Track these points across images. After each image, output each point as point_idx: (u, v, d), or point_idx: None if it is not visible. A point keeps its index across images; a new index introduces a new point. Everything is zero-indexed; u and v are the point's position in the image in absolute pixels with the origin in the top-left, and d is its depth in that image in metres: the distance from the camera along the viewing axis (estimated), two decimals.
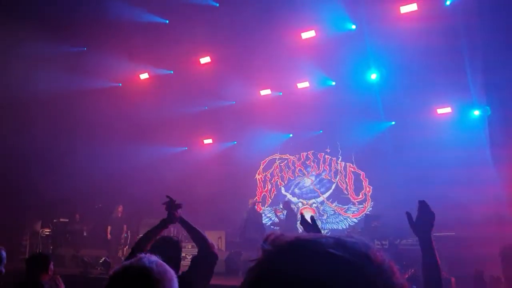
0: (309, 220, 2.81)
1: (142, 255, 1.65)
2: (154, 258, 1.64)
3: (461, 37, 10.43)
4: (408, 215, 2.56)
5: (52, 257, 5.09)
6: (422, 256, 2.49)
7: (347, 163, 13.58)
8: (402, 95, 11.55)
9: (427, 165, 10.93)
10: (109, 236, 11.96)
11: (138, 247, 3.11)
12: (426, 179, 10.71)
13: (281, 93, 13.52)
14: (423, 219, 2.51)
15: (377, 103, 12.27)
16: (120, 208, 12.33)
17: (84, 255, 10.28)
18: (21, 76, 11.37)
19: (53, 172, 11.79)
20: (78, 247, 11.67)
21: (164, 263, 1.65)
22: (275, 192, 14.56)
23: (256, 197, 12.94)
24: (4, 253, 2.89)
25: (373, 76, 12.21)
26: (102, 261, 9.37)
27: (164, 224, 3.43)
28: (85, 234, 12.51)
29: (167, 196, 3.50)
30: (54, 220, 12.30)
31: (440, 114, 11.88)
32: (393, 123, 12.85)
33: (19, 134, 11.30)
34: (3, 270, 2.85)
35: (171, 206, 3.45)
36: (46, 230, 12.23)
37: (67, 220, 12.48)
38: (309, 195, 13.92)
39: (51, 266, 4.77)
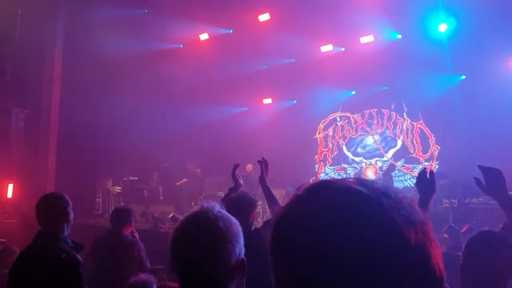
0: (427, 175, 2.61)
1: (205, 205, 1.55)
2: (218, 208, 1.54)
3: None
4: (477, 180, 2.48)
5: None
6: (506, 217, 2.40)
7: (413, 121, 13.10)
8: (474, 46, 10.83)
9: (500, 122, 10.33)
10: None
11: None
12: (498, 136, 10.15)
13: (343, 49, 13.09)
14: (492, 180, 2.41)
15: (446, 56, 11.62)
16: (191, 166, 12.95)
17: (154, 211, 10.74)
18: (90, 41, 11.72)
19: (119, 133, 12.25)
20: (147, 204, 12.20)
21: (229, 215, 1.56)
22: (337, 152, 14.37)
23: (249, 165, 12.81)
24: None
25: (443, 27, 11.49)
26: (171, 216, 9.75)
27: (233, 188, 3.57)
28: (161, 191, 13.24)
29: (262, 158, 3.74)
30: (124, 178, 12.89)
31: None
32: (463, 77, 12.17)
33: (87, 96, 11.75)
34: (72, 214, 3.03)
35: (265, 164, 3.68)
36: (116, 187, 12.87)
37: (136, 178, 13.06)
38: (373, 154, 13.62)
39: (132, 220, 5.02)
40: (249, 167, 12.37)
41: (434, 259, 0.67)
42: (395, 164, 12.79)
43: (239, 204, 3.29)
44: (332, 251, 0.65)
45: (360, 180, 0.73)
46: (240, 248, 1.50)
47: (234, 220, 1.55)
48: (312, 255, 0.66)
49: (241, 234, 1.53)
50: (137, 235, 4.84)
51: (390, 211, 0.67)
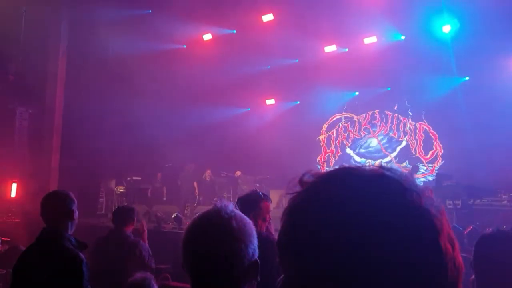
0: None
1: (218, 204, 1.51)
2: (231, 207, 1.50)
3: None
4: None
5: None
6: None
7: (417, 122, 13.07)
8: (478, 48, 10.78)
9: (504, 123, 10.29)
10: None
11: None
12: (502, 137, 10.11)
13: (347, 49, 13.07)
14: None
15: (449, 57, 11.58)
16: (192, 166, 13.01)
17: (157, 211, 10.74)
18: (93, 41, 11.76)
19: (123, 133, 12.27)
20: (150, 204, 12.21)
21: (243, 215, 1.52)
22: (340, 153, 14.34)
23: (238, 172, 13.18)
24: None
25: (446, 28, 11.45)
26: (174, 216, 9.76)
27: None
28: (165, 192, 13.29)
29: None
30: (128, 178, 12.90)
31: None
32: (467, 78, 12.12)
33: (91, 96, 11.77)
34: (77, 212, 3.03)
35: None
36: (120, 188, 12.88)
37: (140, 178, 13.08)
38: (376, 154, 13.59)
39: (135, 218, 5.01)
40: (238, 173, 13.22)
41: (457, 248, 0.66)
42: (419, 166, 12.68)
43: (246, 202, 3.29)
44: (365, 245, 0.59)
45: (385, 166, 0.68)
46: (253, 249, 1.47)
47: (247, 220, 1.51)
48: (342, 250, 0.60)
49: (255, 234, 1.49)
50: (145, 228, 4.86)
51: (424, 201, 0.63)
